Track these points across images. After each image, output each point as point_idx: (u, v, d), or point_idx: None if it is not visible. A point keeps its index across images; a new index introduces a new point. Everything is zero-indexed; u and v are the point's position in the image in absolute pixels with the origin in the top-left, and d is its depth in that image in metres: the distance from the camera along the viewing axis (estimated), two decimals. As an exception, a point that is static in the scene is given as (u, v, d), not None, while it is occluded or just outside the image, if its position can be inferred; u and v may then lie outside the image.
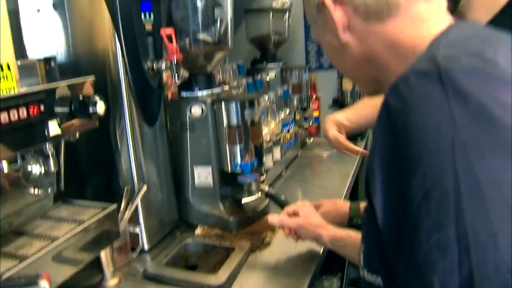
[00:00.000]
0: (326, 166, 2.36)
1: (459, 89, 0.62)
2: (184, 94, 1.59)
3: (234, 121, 1.51)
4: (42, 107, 1.07)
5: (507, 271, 0.57)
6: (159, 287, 1.32)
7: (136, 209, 1.46)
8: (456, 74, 0.64)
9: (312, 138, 2.82)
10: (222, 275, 1.30)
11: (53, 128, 1.11)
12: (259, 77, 2.22)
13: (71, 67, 1.42)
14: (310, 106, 2.75)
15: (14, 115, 1.01)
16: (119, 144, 1.44)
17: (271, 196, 1.57)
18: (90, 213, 1.28)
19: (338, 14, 0.81)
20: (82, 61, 1.43)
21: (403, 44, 0.78)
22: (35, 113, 1.06)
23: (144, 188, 1.43)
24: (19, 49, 1.37)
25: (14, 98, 1.02)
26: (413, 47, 0.77)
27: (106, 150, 1.47)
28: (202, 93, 1.57)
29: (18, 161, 1.13)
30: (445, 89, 0.62)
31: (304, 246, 1.43)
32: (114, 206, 1.30)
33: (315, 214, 1.34)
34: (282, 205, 1.50)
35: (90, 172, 1.52)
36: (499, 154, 0.60)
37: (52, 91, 1.12)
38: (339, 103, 2.87)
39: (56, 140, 1.15)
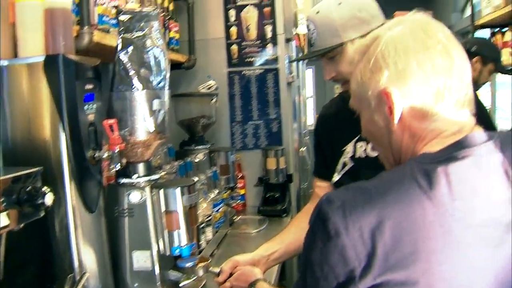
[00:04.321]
0: (255, 242, 2.43)
1: None
2: (122, 180, 1.65)
3: (172, 206, 1.58)
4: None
5: None
6: None
7: (76, 296, 1.46)
8: None
9: (239, 215, 2.90)
10: None
11: (3, 220, 1.13)
12: (189, 159, 2.31)
13: (12, 158, 1.44)
14: (237, 185, 2.86)
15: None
16: (58, 231, 1.46)
17: (212, 272, 1.64)
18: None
19: (398, 108, 0.96)
20: (22, 149, 1.46)
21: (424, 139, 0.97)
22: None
23: (87, 275, 1.45)
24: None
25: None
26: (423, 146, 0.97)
27: (45, 237, 1.48)
28: (140, 180, 1.64)
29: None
30: None
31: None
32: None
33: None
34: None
35: (29, 260, 1.51)
36: None
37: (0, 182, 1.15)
38: (264, 182, 2.99)
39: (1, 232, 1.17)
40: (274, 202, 2.95)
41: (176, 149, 2.61)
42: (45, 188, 1.21)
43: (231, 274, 1.54)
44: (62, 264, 1.47)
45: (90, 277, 1.52)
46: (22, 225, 1.25)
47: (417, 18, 1.03)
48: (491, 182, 0.90)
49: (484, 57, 3.30)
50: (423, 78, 0.94)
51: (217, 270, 1.61)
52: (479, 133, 0.95)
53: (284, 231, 1.81)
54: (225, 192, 2.66)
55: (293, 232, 1.73)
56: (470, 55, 3.22)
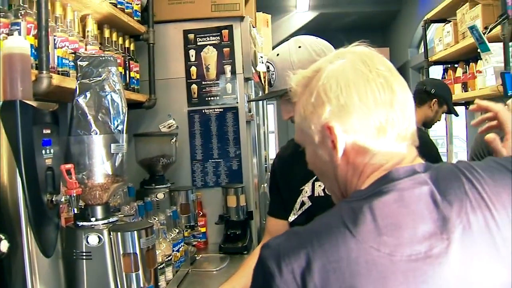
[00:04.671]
0: (217, 280, 2.44)
1: None
2: (80, 223, 1.66)
3: (130, 249, 1.59)
4: None
5: None
6: None
7: None
8: None
9: (200, 254, 2.90)
10: None
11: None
12: (149, 199, 2.32)
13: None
14: (198, 223, 2.88)
15: None
16: (14, 276, 1.45)
17: None
18: None
19: (341, 142, 0.97)
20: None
21: (364, 174, 0.98)
22: None
23: (42, 320, 1.44)
24: None
25: None
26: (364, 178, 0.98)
27: (1, 283, 1.47)
28: (98, 223, 1.65)
29: None
30: None
31: None
32: None
33: None
34: None
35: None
36: None
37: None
38: (225, 219, 3.01)
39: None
40: (236, 239, 2.96)
41: (136, 188, 2.62)
42: (0, 235, 1.22)
43: None
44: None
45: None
46: (-23, 272, 1.25)
47: (358, 51, 1.03)
48: (417, 216, 0.88)
49: (442, 98, 3.51)
50: (365, 113, 0.94)
51: None
52: (406, 167, 0.95)
53: (235, 274, 1.85)
54: (186, 231, 2.68)
55: (245, 276, 1.76)
56: (429, 96, 3.49)
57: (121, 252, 1.60)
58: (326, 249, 0.86)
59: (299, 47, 1.70)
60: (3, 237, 1.21)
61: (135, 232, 1.60)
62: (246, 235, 3.02)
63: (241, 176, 3.10)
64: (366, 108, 0.94)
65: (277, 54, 1.74)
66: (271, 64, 1.74)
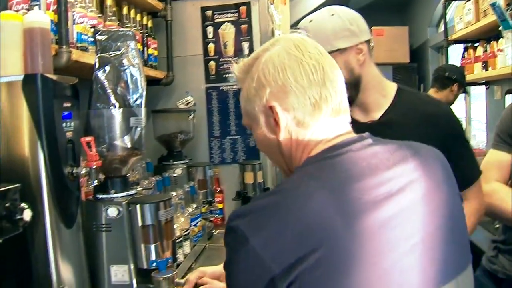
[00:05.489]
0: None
1: None
2: (100, 196, 1.68)
3: (149, 221, 1.62)
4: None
5: None
6: None
7: (53, 310, 1.49)
8: None
9: (218, 230, 2.93)
10: None
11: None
12: (167, 174, 2.35)
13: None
14: (215, 199, 2.90)
15: None
16: (36, 247, 1.49)
17: (178, 283, 1.66)
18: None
19: (282, 119, 1.06)
20: (2, 168, 1.49)
21: (308, 147, 1.07)
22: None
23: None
24: None
25: None
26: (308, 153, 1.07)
27: (24, 252, 1.51)
28: (118, 195, 1.67)
29: None
30: None
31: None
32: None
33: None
34: None
35: (8, 275, 1.54)
36: None
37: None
38: (242, 196, 3.03)
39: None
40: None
41: (154, 164, 2.65)
42: (23, 205, 1.25)
43: (196, 285, 1.57)
44: (41, 279, 1.50)
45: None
46: (0, 240, 1.28)
47: (291, 37, 1.15)
48: (375, 167, 1.00)
49: (461, 83, 3.98)
50: (301, 92, 1.05)
51: (182, 281, 1.64)
52: (351, 136, 1.08)
53: None
54: (203, 207, 2.70)
55: None
56: (451, 81, 3.93)
57: (140, 224, 1.63)
58: (299, 207, 0.92)
59: (332, 15, 1.70)
60: (26, 206, 1.24)
61: (154, 204, 1.62)
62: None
63: (259, 152, 3.11)
64: (301, 88, 1.05)
65: (310, 21, 1.74)
66: (304, 30, 1.73)
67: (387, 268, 0.92)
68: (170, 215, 1.67)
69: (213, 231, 2.87)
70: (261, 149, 1.21)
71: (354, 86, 1.69)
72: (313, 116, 1.06)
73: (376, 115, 1.74)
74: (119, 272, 1.67)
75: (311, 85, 1.05)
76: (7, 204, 1.24)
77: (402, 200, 0.97)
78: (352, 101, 1.59)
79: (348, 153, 1.02)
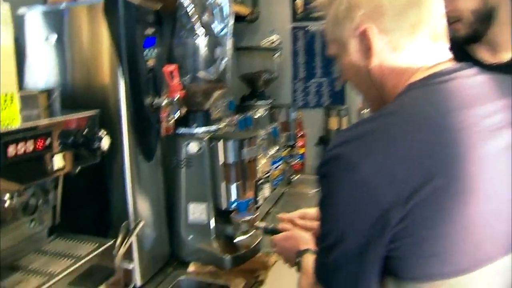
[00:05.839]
0: (312, 203, 2.36)
1: None
2: (181, 130, 1.60)
3: (231, 159, 1.53)
4: (48, 141, 1.07)
5: None
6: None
7: (130, 244, 1.45)
8: None
9: (297, 175, 2.83)
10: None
11: (58, 162, 1.10)
12: (249, 114, 2.24)
13: (70, 101, 1.41)
14: (296, 143, 2.79)
15: (20, 148, 1.00)
16: (114, 178, 1.43)
17: (269, 231, 1.47)
18: (87, 249, 1.28)
19: (376, 43, 0.93)
20: (81, 94, 1.43)
21: (405, 74, 0.95)
22: (41, 147, 1.05)
23: (141, 223, 1.42)
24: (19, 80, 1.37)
25: (20, 132, 1.01)
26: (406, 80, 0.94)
27: (102, 183, 1.46)
28: (199, 130, 1.59)
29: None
30: None
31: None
32: (111, 242, 1.29)
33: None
34: None
35: (84, 206, 1.51)
36: None
37: (58, 124, 1.12)
38: (325, 142, 2.90)
39: (57, 173, 1.14)
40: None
41: (236, 104, 2.55)
42: (101, 132, 1.17)
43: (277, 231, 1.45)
44: (118, 211, 1.45)
45: (144, 226, 1.50)
46: (78, 169, 1.22)
47: None
48: (484, 96, 0.90)
49: None
50: (397, 13, 0.93)
51: (262, 225, 1.49)
52: (453, 64, 0.95)
53: None
54: (285, 150, 2.60)
55: None
56: None
57: (222, 162, 1.53)
58: (411, 131, 0.83)
59: None
60: (104, 134, 1.17)
61: (238, 141, 1.52)
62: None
63: (344, 97, 2.95)
64: (397, 8, 0.93)
65: None
66: None
67: (500, 203, 0.84)
68: (254, 154, 1.57)
69: (293, 176, 2.77)
70: (349, 79, 1.07)
71: (484, 19, 1.42)
72: (410, 39, 0.94)
73: (507, 56, 1.48)
74: (197, 211, 1.60)
75: (407, 6, 0.93)
76: (85, 132, 1.17)
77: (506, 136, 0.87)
78: (478, 37, 1.38)
79: (457, 80, 0.91)
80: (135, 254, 1.47)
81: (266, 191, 2.11)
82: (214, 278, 1.50)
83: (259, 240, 1.67)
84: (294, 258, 1.24)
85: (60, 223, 1.34)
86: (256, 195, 1.62)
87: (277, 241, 1.34)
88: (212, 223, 1.60)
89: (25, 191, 1.18)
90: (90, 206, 1.49)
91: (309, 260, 1.19)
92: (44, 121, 1.09)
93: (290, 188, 2.60)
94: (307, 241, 1.27)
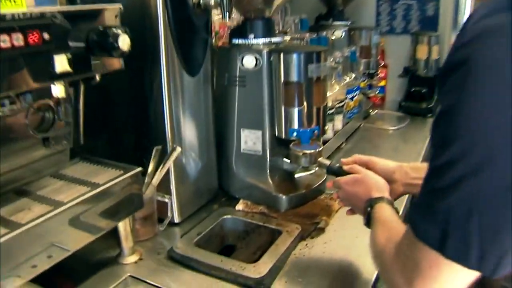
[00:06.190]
0: (392, 142, 2.05)
1: None
2: (236, 41, 1.32)
3: (294, 77, 1.23)
4: (46, 35, 0.81)
5: None
6: (185, 272, 1.08)
7: (167, 173, 1.21)
8: None
9: (376, 109, 2.50)
10: (263, 266, 1.04)
11: (60, 63, 0.85)
12: (324, 34, 1.92)
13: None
14: (377, 73, 2.44)
15: (5, 41, 0.75)
16: (153, 94, 1.18)
17: (334, 172, 1.17)
18: (109, 175, 1.04)
19: None
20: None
21: None
22: (36, 41, 0.80)
23: (178, 149, 1.18)
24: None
25: (11, 21, 0.77)
26: None
27: (138, 100, 1.22)
28: (257, 41, 1.29)
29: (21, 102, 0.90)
30: None
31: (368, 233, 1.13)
32: (138, 169, 1.05)
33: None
34: None
35: (118, 126, 1.27)
36: None
37: (64, 16, 0.86)
38: (410, 73, 2.53)
39: (66, 79, 0.90)
40: (420, 99, 2.49)
41: (310, 24, 2.23)
42: (118, 29, 0.91)
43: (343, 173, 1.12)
44: (156, 132, 1.21)
45: (186, 153, 1.25)
46: (97, 77, 0.98)
47: None
48: None
49: None
50: None
51: (327, 162, 1.20)
52: None
53: None
54: (363, 80, 2.27)
55: None
56: None
57: (283, 80, 1.24)
58: None
59: None
60: (121, 32, 0.90)
61: (303, 54, 1.21)
62: (433, 95, 2.53)
63: (437, 23, 2.54)
64: None
65: None
66: None
67: None
68: (323, 73, 1.25)
69: (371, 110, 2.44)
70: None
71: None
72: None
73: None
74: (250, 139, 1.33)
75: None
76: (100, 29, 0.91)
77: None
78: None
79: None
80: (173, 185, 1.24)
81: (337, 123, 1.81)
82: (264, 220, 1.24)
83: (323, 179, 1.39)
84: (363, 207, 0.96)
85: (88, 146, 1.11)
86: (324, 124, 1.32)
87: (343, 183, 1.05)
88: (268, 154, 1.33)
89: (36, 102, 0.96)
90: (123, 126, 1.26)
91: (384, 211, 0.91)
92: (38, 10, 0.83)
93: (367, 123, 2.28)
94: (382, 187, 0.99)
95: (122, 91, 1.22)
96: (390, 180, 1.04)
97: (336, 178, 1.09)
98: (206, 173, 1.36)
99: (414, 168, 1.07)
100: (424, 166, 1.04)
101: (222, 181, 1.42)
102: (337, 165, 1.14)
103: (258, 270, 1.03)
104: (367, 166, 1.09)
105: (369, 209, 0.94)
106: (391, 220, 0.87)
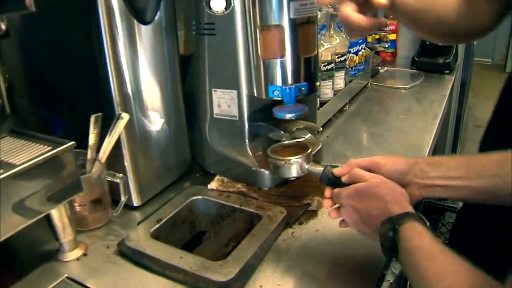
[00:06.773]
0: (404, 103, 1.79)
1: None
2: (202, -22, 1.05)
3: (273, 19, 0.96)
4: None
5: None
6: (136, 271, 0.85)
7: (119, 147, 0.97)
8: None
9: (386, 67, 2.23)
10: (232, 265, 0.80)
11: None
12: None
13: None
14: (387, 25, 2.17)
15: None
16: (94, 48, 0.93)
17: (331, 181, 0.85)
18: (34, 153, 0.80)
19: None
20: None
21: None
22: None
23: (126, 116, 0.93)
24: None
25: None
26: None
27: (81, 59, 0.97)
28: (228, -23, 1.03)
29: None
30: None
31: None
32: (69, 143, 0.81)
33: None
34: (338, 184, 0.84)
35: (65, 95, 1.03)
36: None
37: None
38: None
39: None
40: (435, 53, 2.21)
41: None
42: None
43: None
44: (102, 98, 0.96)
45: (150, 118, 1.01)
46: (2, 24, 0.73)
47: None
48: None
49: None
50: None
51: (320, 169, 0.88)
52: None
53: (475, 158, 0.89)
54: (370, 34, 2.01)
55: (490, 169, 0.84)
56: None
57: (259, 24, 0.97)
58: None
59: None
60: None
61: (282, -10, 0.95)
62: (451, 49, 2.24)
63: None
64: None
65: None
66: None
67: None
68: (310, 13, 0.98)
69: (379, 67, 2.17)
70: None
71: None
72: None
73: None
74: (224, 101, 1.07)
75: None
76: None
77: None
78: None
79: None
80: (127, 161, 1.00)
81: (339, 81, 1.55)
82: (241, 202, 1.00)
83: (318, 148, 1.14)
84: (380, 230, 0.70)
85: (18, 117, 0.87)
86: (314, 80, 1.05)
87: (345, 198, 0.78)
88: (246, 120, 1.07)
89: None
90: (72, 95, 1.01)
91: (421, 237, 0.64)
92: None
93: (375, 81, 2.01)
94: (399, 197, 0.72)
95: (62, 51, 0.98)
96: (401, 184, 0.76)
97: (335, 190, 0.82)
98: (175, 143, 1.12)
99: (433, 165, 0.77)
100: (446, 160, 0.77)
101: (195, 153, 1.18)
102: (332, 169, 0.85)
103: (225, 270, 0.79)
104: (370, 170, 0.81)
105: (391, 233, 0.67)
106: (442, 255, 0.61)
